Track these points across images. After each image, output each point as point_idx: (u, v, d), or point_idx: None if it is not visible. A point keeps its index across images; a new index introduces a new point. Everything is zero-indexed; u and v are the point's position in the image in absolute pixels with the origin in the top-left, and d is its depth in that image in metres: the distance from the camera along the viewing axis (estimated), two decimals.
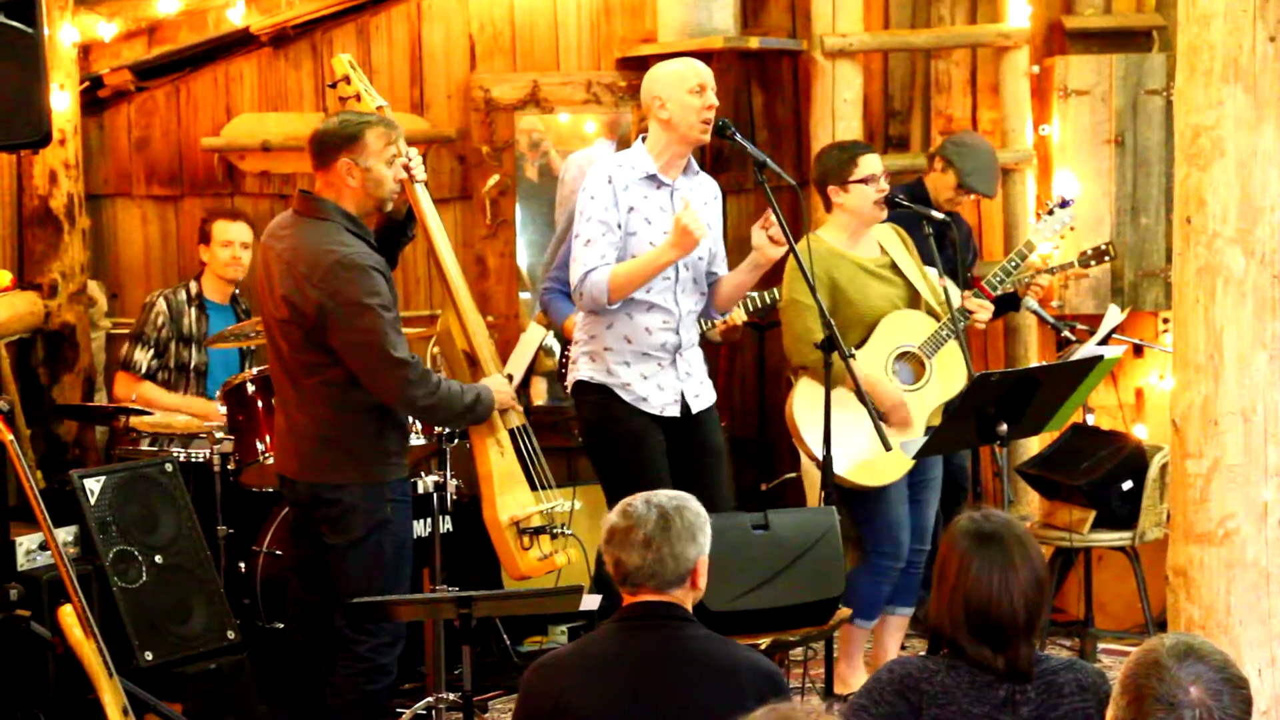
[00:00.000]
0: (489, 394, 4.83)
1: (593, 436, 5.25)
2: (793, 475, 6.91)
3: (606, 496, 5.19)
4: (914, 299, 5.65)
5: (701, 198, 5.23)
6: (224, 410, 5.83)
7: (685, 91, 5.04)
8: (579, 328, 5.23)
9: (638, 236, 5.07)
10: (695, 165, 5.23)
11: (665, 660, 3.49)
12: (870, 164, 5.57)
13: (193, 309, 6.44)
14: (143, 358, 6.37)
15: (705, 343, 6.27)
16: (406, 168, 4.81)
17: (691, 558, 3.53)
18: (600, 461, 5.25)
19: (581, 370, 5.18)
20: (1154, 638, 2.72)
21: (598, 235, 5.03)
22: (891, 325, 5.56)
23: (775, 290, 5.97)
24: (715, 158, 7.07)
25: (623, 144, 7.07)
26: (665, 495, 3.59)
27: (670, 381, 5.17)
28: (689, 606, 3.57)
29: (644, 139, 5.18)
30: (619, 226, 5.05)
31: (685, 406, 5.20)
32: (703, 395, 5.28)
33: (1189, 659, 2.62)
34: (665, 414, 5.16)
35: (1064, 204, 6.13)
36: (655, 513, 3.53)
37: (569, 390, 5.30)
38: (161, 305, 6.41)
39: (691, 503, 3.60)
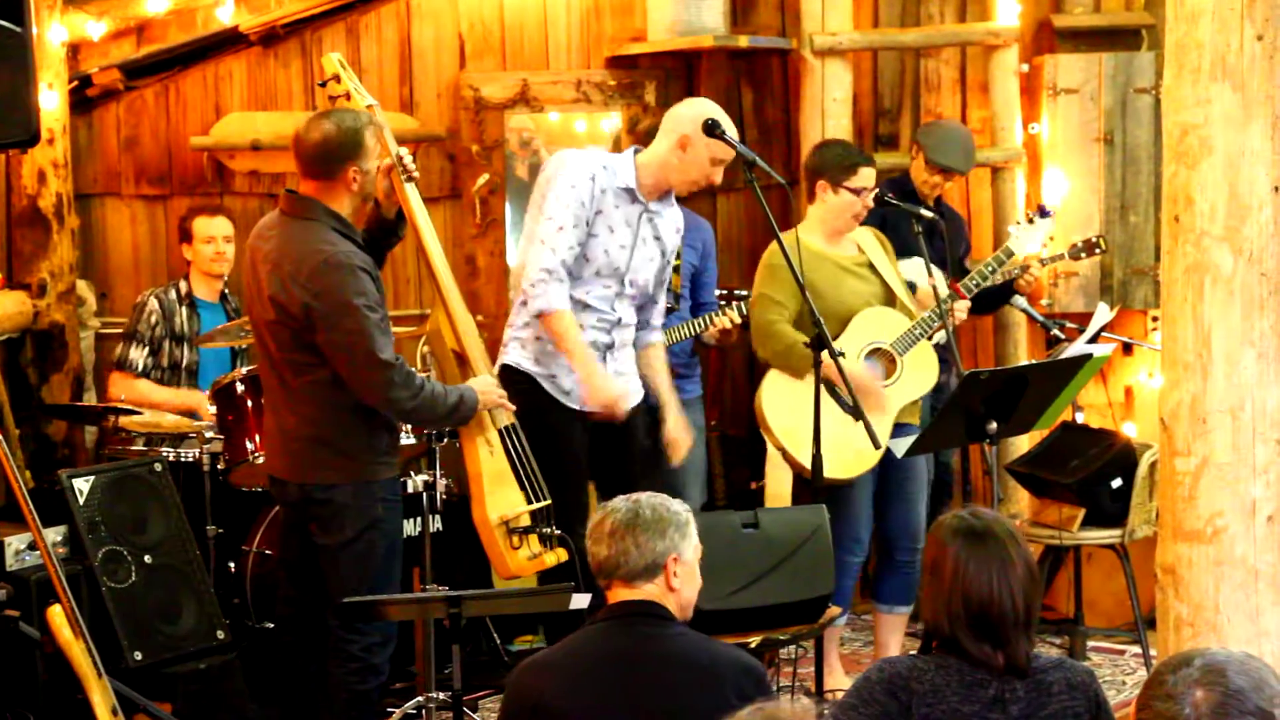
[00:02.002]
0: (473, 395, 4.83)
1: (522, 420, 5.18)
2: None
3: None
4: (889, 298, 5.68)
5: (672, 226, 5.28)
6: (214, 410, 5.83)
7: (711, 154, 5.07)
8: (513, 313, 5.22)
9: (597, 240, 5.08)
10: (673, 197, 5.25)
11: (645, 659, 3.50)
12: (866, 178, 5.61)
13: (184, 307, 6.43)
14: (138, 356, 6.36)
15: (698, 343, 6.28)
16: (395, 164, 4.81)
17: (658, 551, 3.55)
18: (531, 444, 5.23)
19: (510, 354, 5.20)
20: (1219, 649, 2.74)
21: (569, 225, 5.02)
22: (865, 321, 5.58)
23: None
24: None
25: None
26: (648, 495, 3.63)
27: None
28: (670, 606, 3.58)
29: (636, 151, 5.18)
30: (587, 223, 5.06)
31: None
32: (630, 395, 5.27)
33: (1214, 669, 2.63)
34: (587, 409, 5.16)
35: (1044, 213, 6.13)
36: (625, 505, 3.59)
37: (495, 373, 5.28)
38: (154, 304, 6.40)
39: (672, 503, 3.63)
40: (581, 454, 5.18)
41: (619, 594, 3.57)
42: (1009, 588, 3.24)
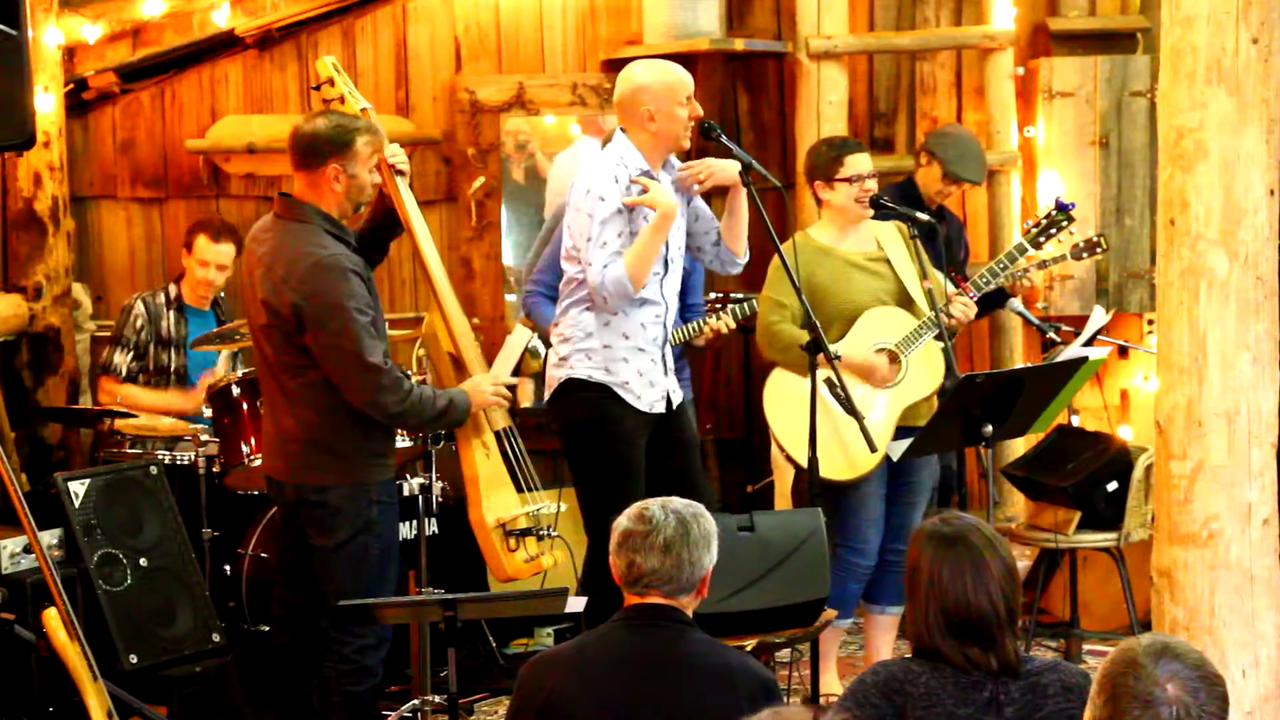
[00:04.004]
0: (463, 398, 4.82)
1: (582, 434, 5.18)
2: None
3: (581, 493, 5.18)
4: (903, 295, 5.63)
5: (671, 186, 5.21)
6: (209, 412, 5.83)
7: (675, 105, 5.04)
8: (568, 326, 5.17)
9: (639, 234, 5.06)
10: (671, 160, 5.23)
11: (659, 662, 3.50)
12: (857, 164, 5.57)
13: (171, 312, 6.41)
14: (122, 361, 6.34)
15: (690, 347, 6.28)
16: (384, 165, 4.79)
17: (706, 566, 3.56)
18: (586, 457, 5.19)
19: (577, 369, 5.12)
20: (1131, 638, 2.73)
21: (612, 236, 5.00)
22: (871, 321, 5.56)
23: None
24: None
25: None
26: (680, 503, 3.60)
27: (660, 378, 5.18)
28: (690, 614, 3.58)
29: (623, 131, 5.17)
30: (628, 224, 5.04)
31: (668, 402, 5.22)
32: (680, 389, 5.31)
33: (1165, 657, 2.63)
34: (654, 411, 5.17)
35: (1061, 207, 6.03)
36: (674, 518, 3.54)
37: (554, 389, 5.24)
38: (140, 308, 6.37)
39: (704, 511, 3.62)
40: (643, 463, 5.16)
41: (652, 600, 3.54)
42: (985, 590, 3.24)
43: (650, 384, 5.15)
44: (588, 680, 3.47)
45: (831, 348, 5.07)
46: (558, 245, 5.98)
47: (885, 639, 5.81)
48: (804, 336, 5.18)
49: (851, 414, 5.01)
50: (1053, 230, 5.91)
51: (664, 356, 5.20)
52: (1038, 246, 5.94)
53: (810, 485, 5.08)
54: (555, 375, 5.19)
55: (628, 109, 5.11)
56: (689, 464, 5.30)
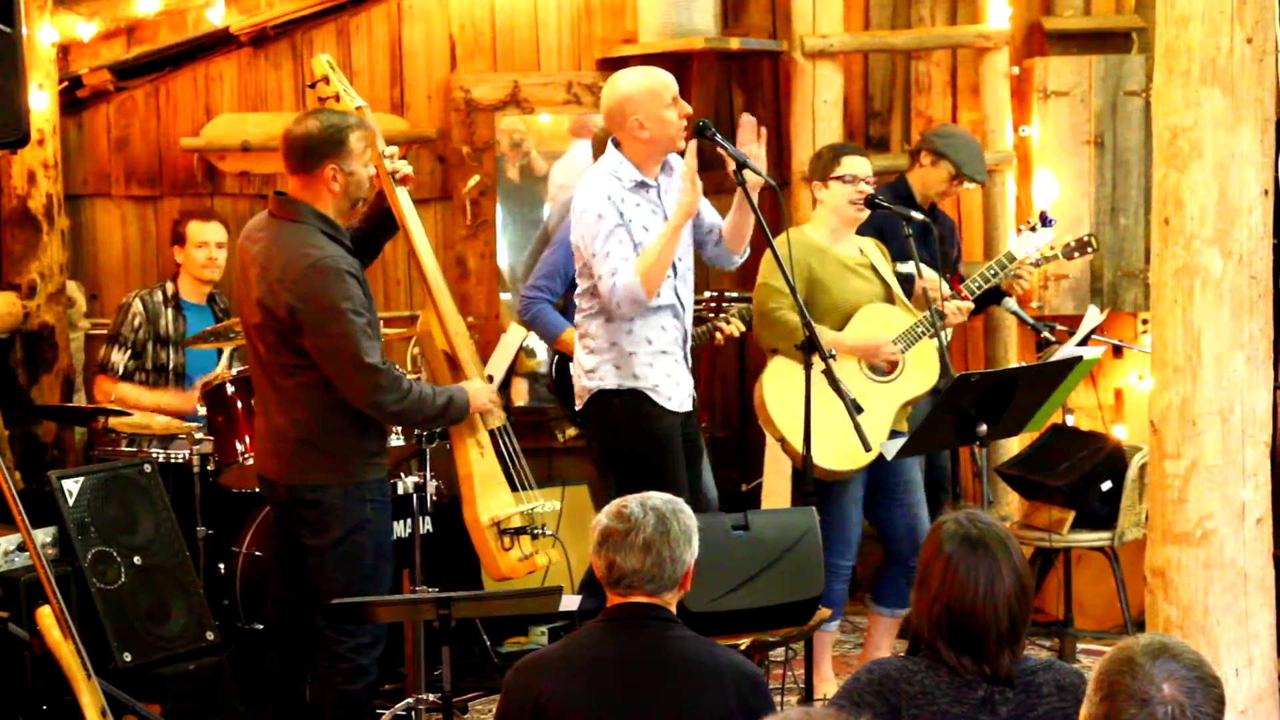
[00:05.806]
0: (463, 396, 4.82)
1: (623, 436, 5.14)
2: None
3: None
4: (890, 300, 5.68)
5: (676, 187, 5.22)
6: (204, 411, 5.82)
7: (663, 108, 5.04)
8: (591, 337, 5.15)
9: (639, 246, 5.06)
10: (671, 163, 5.22)
11: (648, 661, 3.49)
12: (853, 165, 5.59)
13: (169, 310, 6.41)
14: (120, 359, 6.34)
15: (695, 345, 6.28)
16: (379, 162, 4.80)
17: (687, 561, 3.55)
18: (627, 462, 5.14)
19: (607, 380, 5.11)
20: (1129, 637, 2.73)
21: (615, 246, 4.99)
22: (867, 317, 5.58)
23: None
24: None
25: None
26: (660, 498, 3.59)
27: (684, 377, 5.20)
28: (674, 608, 3.58)
29: (615, 143, 5.16)
30: (629, 234, 5.03)
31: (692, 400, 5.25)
32: (687, 400, 5.31)
33: (1162, 657, 2.63)
34: (683, 409, 5.18)
35: (1046, 221, 6.10)
36: (653, 516, 3.53)
37: (586, 399, 5.18)
38: (138, 306, 6.38)
39: (684, 506, 3.61)
40: (684, 458, 5.17)
41: (635, 599, 3.54)
42: (993, 602, 3.21)
43: (677, 384, 5.16)
44: (578, 683, 3.46)
45: (826, 345, 5.06)
46: (560, 250, 5.96)
47: (886, 640, 5.82)
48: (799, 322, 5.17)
49: (849, 412, 5.01)
50: (1039, 241, 6.03)
51: (685, 356, 5.21)
52: (1022, 254, 6.08)
53: (803, 484, 5.08)
54: (587, 386, 5.16)
55: (616, 121, 5.11)
56: (693, 468, 5.29)
